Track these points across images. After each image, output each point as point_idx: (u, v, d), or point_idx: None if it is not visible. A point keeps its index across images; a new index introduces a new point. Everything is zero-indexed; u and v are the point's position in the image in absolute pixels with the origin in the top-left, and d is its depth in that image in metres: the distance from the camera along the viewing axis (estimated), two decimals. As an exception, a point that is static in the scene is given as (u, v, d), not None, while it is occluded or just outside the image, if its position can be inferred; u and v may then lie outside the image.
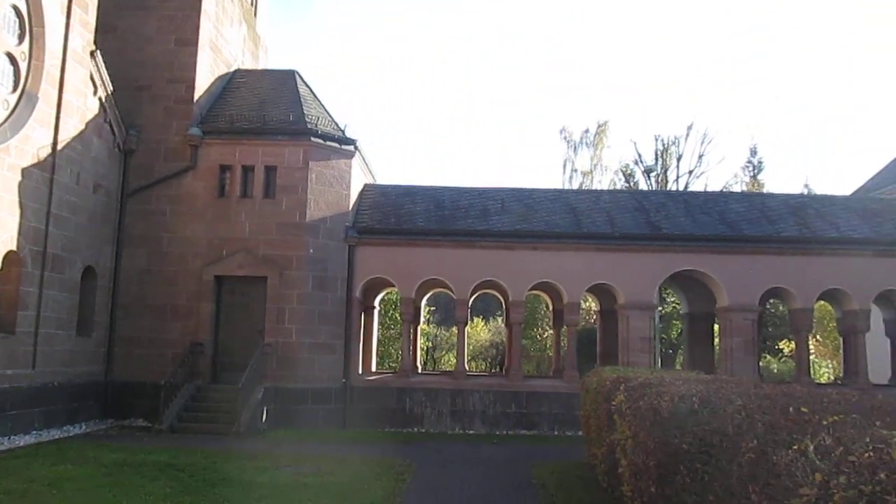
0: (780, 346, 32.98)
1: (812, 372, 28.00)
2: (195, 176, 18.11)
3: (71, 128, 15.77)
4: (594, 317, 24.77)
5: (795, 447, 3.55)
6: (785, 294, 18.88)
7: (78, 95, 16.00)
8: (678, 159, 39.84)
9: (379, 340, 26.68)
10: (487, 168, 74.03)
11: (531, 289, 19.47)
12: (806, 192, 37.99)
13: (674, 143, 40.08)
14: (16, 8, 14.44)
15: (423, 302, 23.93)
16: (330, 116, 19.61)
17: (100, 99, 16.98)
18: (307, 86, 20.64)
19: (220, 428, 15.70)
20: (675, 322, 30.62)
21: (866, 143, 68.04)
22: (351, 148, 18.86)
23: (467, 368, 21.07)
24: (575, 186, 41.11)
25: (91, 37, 16.46)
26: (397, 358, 27.09)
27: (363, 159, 19.98)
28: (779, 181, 60.41)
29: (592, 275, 18.47)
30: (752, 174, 42.83)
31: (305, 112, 18.94)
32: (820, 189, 44.89)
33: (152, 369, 17.15)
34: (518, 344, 19.81)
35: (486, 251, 18.52)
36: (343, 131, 19.00)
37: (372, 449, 14.44)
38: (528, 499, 10.17)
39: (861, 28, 76.75)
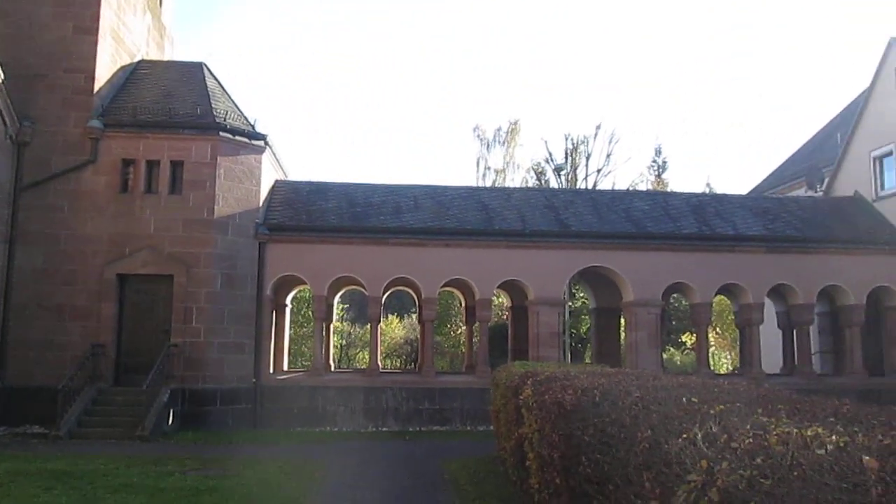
0: (683, 339, 34.36)
1: (712, 363, 29.30)
2: (96, 170, 17.37)
3: (-43, 118, 14.87)
4: (506, 313, 25.14)
5: (685, 436, 3.71)
6: (686, 289, 19.67)
7: (-35, 83, 15.11)
8: (587, 158, 40.93)
9: (291, 339, 26.31)
10: (401, 166, 74.01)
11: (444, 285, 19.61)
12: (708, 190, 39.66)
13: (583, 142, 41.15)
14: None
15: (337, 299, 23.75)
16: (239, 111, 19.18)
17: (-12, 87, 16.08)
18: (215, 79, 20.11)
19: (123, 432, 15.13)
20: (584, 317, 31.42)
21: (765, 143, 71.59)
22: (261, 143, 18.51)
23: (381, 366, 21.07)
24: (488, 184, 41.63)
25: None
26: (311, 356, 26.81)
27: (274, 155, 19.64)
28: (683, 180, 62.84)
29: (504, 271, 18.76)
30: (656, 173, 44.47)
31: (214, 106, 18.47)
32: (721, 188, 46.97)
33: (50, 373, 16.30)
34: (431, 340, 19.92)
35: (399, 248, 18.53)
36: (253, 126, 18.63)
37: (283, 449, 14.24)
38: (439, 494, 10.26)
39: (756, 30, 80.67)
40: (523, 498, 9.18)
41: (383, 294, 19.28)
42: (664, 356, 28.96)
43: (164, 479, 10.71)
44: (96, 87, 17.70)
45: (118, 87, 18.92)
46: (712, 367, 24.89)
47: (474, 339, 22.25)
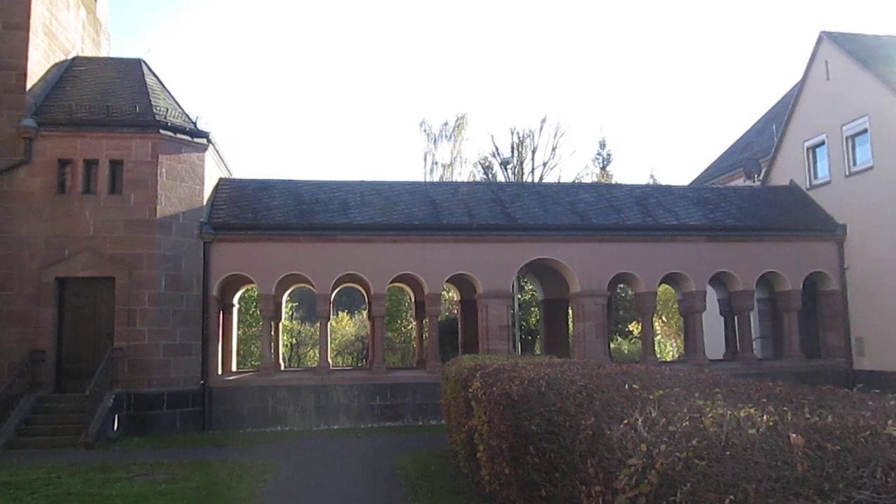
0: (630, 328, 35.00)
1: (658, 351, 29.94)
2: (30, 171, 16.82)
3: None
4: (456, 307, 25.24)
5: (626, 421, 3.81)
6: (631, 279, 20.04)
7: None
8: (533, 152, 41.29)
9: (240, 339, 25.97)
10: (348, 162, 73.55)
11: (393, 281, 19.59)
12: (651, 182, 40.43)
13: (529, 136, 41.50)
14: None
15: (285, 298, 23.51)
16: (180, 108, 18.80)
17: (-86, 87, 15.42)
18: (155, 76, 19.66)
19: (66, 440, 14.73)
20: (533, 309, 31.75)
21: (706, 134, 73.23)
22: (203, 141, 18.20)
23: (332, 363, 20.95)
24: (436, 179, 41.68)
25: None
26: (260, 356, 26.48)
27: (217, 153, 19.33)
28: (627, 172, 63.73)
29: (452, 266, 18.83)
30: (601, 166, 45.10)
31: (153, 103, 18.06)
32: (664, 179, 47.88)
33: (-14, 381, 15.75)
34: (381, 336, 19.89)
35: (347, 245, 18.45)
36: (195, 123, 18.29)
37: (233, 451, 14.07)
38: (391, 489, 10.28)
39: (698, 23, 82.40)
40: (475, 489, 9.27)
41: (332, 291, 19.17)
42: (612, 345, 29.45)
43: (110, 486, 10.49)
44: (29, 85, 17.13)
45: (52, 84, 18.35)
46: (658, 355, 25.47)
47: (425, 334, 22.29)
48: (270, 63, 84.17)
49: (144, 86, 18.76)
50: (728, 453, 2.84)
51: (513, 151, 41.02)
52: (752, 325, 20.67)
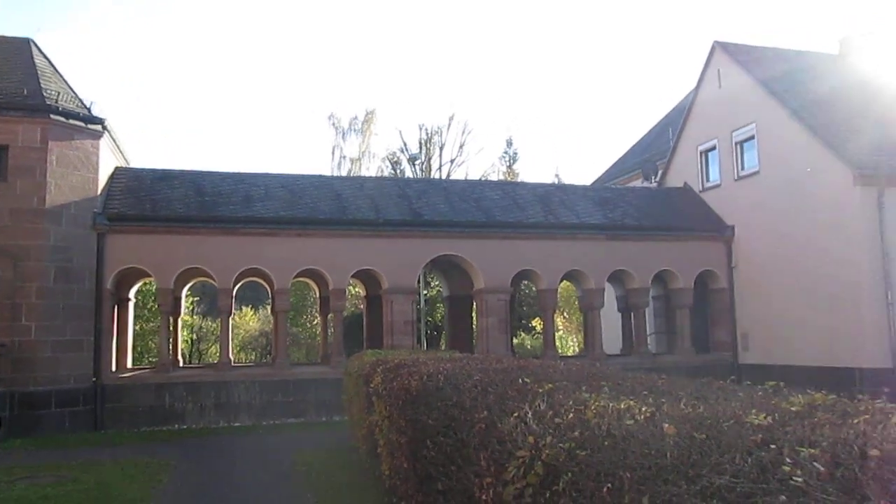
0: (533, 324, 35.79)
1: (560, 346, 30.69)
2: None
3: None
4: (361, 302, 25.17)
5: (516, 414, 3.93)
6: (534, 275, 20.50)
7: None
8: (441, 148, 41.61)
9: (136, 334, 25.04)
10: (253, 154, 71.95)
11: (297, 276, 19.33)
12: (556, 181, 41.42)
13: (437, 132, 41.79)
14: None
15: (185, 292, 22.83)
16: (73, 92, 17.93)
17: None
18: (45, 57, 18.67)
19: (-59, 442, 13.85)
20: (439, 305, 32.01)
21: (610, 136, 75.56)
22: (98, 127, 17.42)
23: (235, 359, 20.51)
24: (344, 173, 41.39)
25: None
26: (158, 353, 25.63)
27: (113, 140, 18.55)
28: (533, 171, 65.19)
29: (357, 261, 18.76)
30: (507, 164, 45.91)
31: (43, 86, 17.16)
32: (568, 179, 49.18)
33: None
34: (285, 332, 19.61)
35: (250, 238, 18.09)
36: (89, 109, 17.48)
37: (126, 450, 13.58)
38: (291, 487, 10.19)
39: (608, 33, 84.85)
40: (376, 485, 9.30)
41: (234, 286, 18.76)
42: (515, 341, 30.11)
43: (-12, 490, 9.94)
44: None
45: (-71, 63, 17.16)
46: (560, 350, 26.12)
47: (330, 330, 22.12)
48: (174, 52, 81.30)
49: (33, 67, 17.79)
50: (607, 443, 2.99)
51: (421, 148, 41.25)
52: (647, 321, 21.52)
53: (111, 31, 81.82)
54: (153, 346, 28.37)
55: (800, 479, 2.18)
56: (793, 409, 3.16)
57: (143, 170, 19.88)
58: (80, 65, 70.64)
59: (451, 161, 41.44)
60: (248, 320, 35.85)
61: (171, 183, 19.09)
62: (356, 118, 43.82)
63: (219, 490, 10.08)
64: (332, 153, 43.43)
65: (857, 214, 17.18)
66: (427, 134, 41.75)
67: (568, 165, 71.61)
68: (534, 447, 3.46)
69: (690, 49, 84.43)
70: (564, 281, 21.88)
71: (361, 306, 25.26)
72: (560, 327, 35.01)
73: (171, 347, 19.32)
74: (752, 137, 20.62)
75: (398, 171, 41.77)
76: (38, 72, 17.66)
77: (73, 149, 16.87)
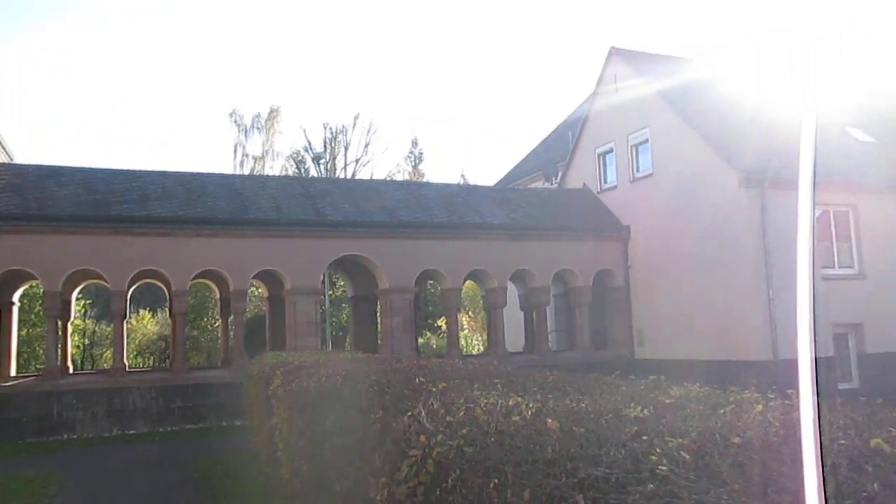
0: (439, 324, 36.04)
1: (465, 345, 31.07)
2: None
3: None
4: (264, 303, 24.71)
5: (409, 414, 3.98)
6: (438, 275, 20.66)
7: None
8: (346, 148, 41.33)
9: (23, 340, 23.75)
10: (149, 151, 69.30)
11: (197, 277, 18.80)
12: (462, 182, 41.86)
13: (342, 131, 41.47)
14: None
15: (76, 295, 21.78)
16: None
17: None
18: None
19: None
20: (344, 305, 31.80)
21: (514, 137, 76.88)
22: (-23, 122, 16.41)
23: (132, 364, 19.74)
24: (247, 172, 40.48)
25: None
26: (46, 359, 24.36)
27: (-6, 135, 17.52)
28: (439, 171, 65.60)
29: (259, 261, 18.40)
30: (413, 164, 46.06)
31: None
32: (474, 179, 49.76)
33: None
34: (183, 335, 19.04)
35: (145, 238, 17.43)
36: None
37: (9, 464, 12.83)
38: (189, 494, 9.93)
39: (512, 35, 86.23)
40: (277, 489, 9.17)
41: (129, 288, 18.07)
42: (420, 340, 30.27)
43: None
44: None
45: None
46: (465, 349, 26.45)
47: (231, 332, 21.60)
48: (63, 44, 77.29)
49: None
50: (493, 440, 3.07)
51: (325, 147, 40.86)
52: (548, 319, 22.05)
53: (-6, 18, 77.02)
54: (41, 352, 26.95)
55: (665, 468, 2.32)
56: (667, 401, 3.34)
57: (27, 166, 18.90)
58: (-42, 53, 66.19)
59: (357, 161, 41.29)
60: (146, 323, 34.52)
61: (60, 180, 18.17)
62: (259, 115, 42.99)
63: (112, 502, 9.69)
64: (235, 151, 42.47)
65: (743, 216, 18.13)
66: (332, 133, 41.44)
67: (473, 166, 72.49)
68: (426, 446, 3.51)
69: (593, 53, 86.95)
70: (468, 280, 22.14)
71: (264, 307, 24.80)
72: (465, 326, 35.41)
73: (60, 353, 18.43)
74: (646, 141, 21.46)
75: (303, 171, 41.22)
76: None
77: (-51, 143, 15.83)
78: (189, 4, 76.78)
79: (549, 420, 3.04)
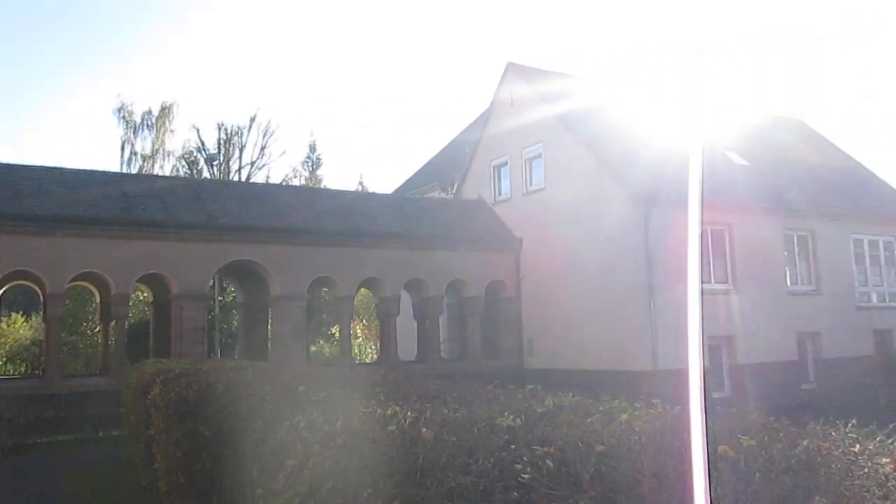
0: (333, 331, 35.66)
1: (359, 353, 30.88)
2: None
3: None
4: (149, 308, 23.73)
5: (288, 423, 3.93)
6: (332, 283, 20.46)
7: None
8: (241, 150, 40.35)
9: None
10: (27, 145, 65.39)
11: (75, 279, 17.89)
12: (361, 188, 41.68)
13: (237, 133, 40.46)
14: None
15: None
16: None
17: None
18: None
19: None
20: (234, 312, 30.97)
21: (413, 145, 77.17)
22: None
23: (-5, 371, 18.49)
24: (135, 171, 38.84)
25: None
26: None
27: None
28: (337, 178, 65.02)
29: (144, 264, 17.67)
30: (310, 169, 45.49)
31: None
32: (372, 187, 49.65)
33: None
34: (58, 340, 18.01)
35: (17, 237, 16.39)
36: None
37: None
38: (57, 510, 9.40)
39: (413, 44, 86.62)
40: (153, 502, 8.82)
41: (-2, 290, 16.96)
42: (313, 348, 29.85)
43: None
44: None
45: None
46: (358, 357, 26.28)
47: (112, 338, 20.62)
48: (-68, 21, 71.87)
49: None
50: (367, 449, 3.08)
51: (219, 148, 39.72)
52: (440, 328, 22.23)
53: None
54: None
55: (528, 476, 2.39)
56: (539, 410, 3.44)
57: None
58: None
59: (252, 164, 40.36)
60: (18, 328, 32.45)
61: (-82, 173, 16.88)
62: (150, 112, 41.28)
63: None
64: (122, 149, 40.60)
65: (629, 231, 18.86)
66: (227, 134, 40.31)
67: (372, 174, 72.28)
68: (302, 455, 3.49)
69: (492, 67, 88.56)
70: (363, 288, 22.02)
71: (149, 313, 23.83)
72: (359, 334, 35.18)
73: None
74: (539, 156, 22.04)
75: (195, 172, 39.90)
76: None
77: None
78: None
79: (424, 430, 3.08)
